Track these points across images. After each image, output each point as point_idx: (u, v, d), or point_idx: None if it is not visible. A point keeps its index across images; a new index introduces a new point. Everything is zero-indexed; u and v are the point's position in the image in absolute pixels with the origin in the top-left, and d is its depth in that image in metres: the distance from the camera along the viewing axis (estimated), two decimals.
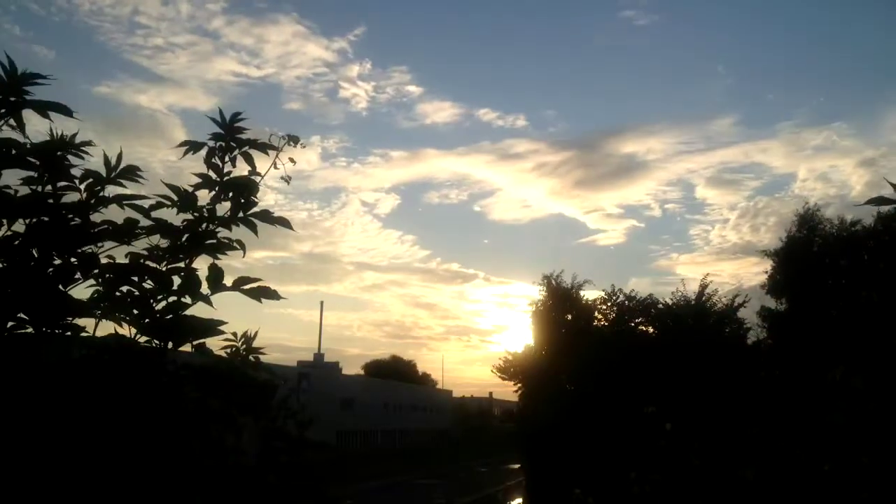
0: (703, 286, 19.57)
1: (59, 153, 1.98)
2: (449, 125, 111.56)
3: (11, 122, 1.92)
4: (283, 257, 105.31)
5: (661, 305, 19.87)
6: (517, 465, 24.08)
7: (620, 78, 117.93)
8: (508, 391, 22.36)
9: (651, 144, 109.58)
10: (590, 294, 20.74)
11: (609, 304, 20.16)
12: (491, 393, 72.15)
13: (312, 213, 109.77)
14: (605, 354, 17.28)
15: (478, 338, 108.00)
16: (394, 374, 64.78)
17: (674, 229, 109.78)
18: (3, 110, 1.91)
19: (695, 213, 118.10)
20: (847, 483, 3.69)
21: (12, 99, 1.91)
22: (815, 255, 23.16)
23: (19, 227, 1.94)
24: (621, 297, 20.07)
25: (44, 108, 1.94)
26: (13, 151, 1.92)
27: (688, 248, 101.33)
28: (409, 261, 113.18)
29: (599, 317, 20.29)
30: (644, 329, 20.00)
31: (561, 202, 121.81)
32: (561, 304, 20.34)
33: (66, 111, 1.95)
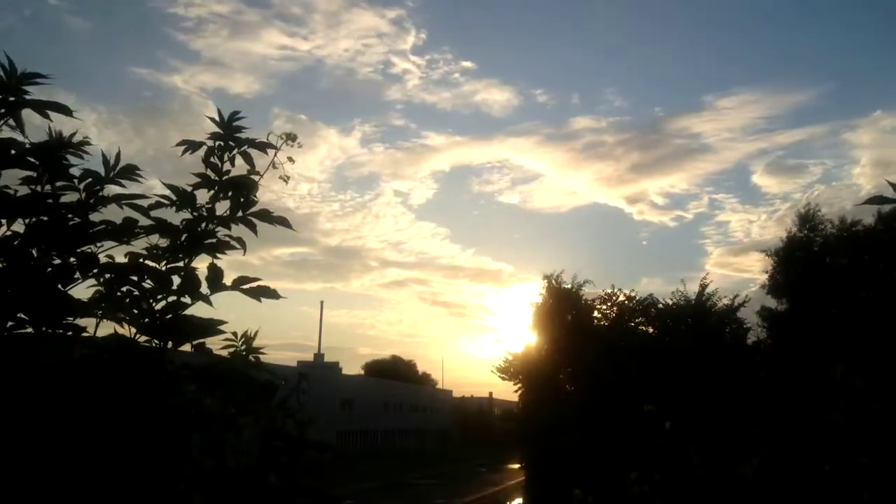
0: (703, 286, 19.61)
1: (58, 153, 1.98)
2: (498, 105, 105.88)
3: (11, 122, 1.92)
4: (303, 253, 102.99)
5: (660, 305, 19.90)
6: (517, 465, 24.10)
7: (696, 49, 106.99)
8: (508, 391, 22.38)
9: (723, 122, 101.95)
10: (590, 294, 20.80)
11: (609, 303, 20.19)
12: (491, 393, 72.18)
13: (345, 204, 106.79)
14: (605, 354, 17.29)
15: (495, 336, 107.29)
16: (394, 374, 64.80)
17: (720, 221, 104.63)
18: (2, 110, 1.91)
19: (746, 203, 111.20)
20: (847, 483, 3.69)
21: (11, 99, 1.91)
22: (815, 255, 23.16)
23: (18, 226, 1.94)
24: (621, 297, 20.11)
25: (43, 108, 1.94)
26: (12, 151, 1.92)
27: (727, 241, 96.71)
28: (437, 255, 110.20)
29: (599, 316, 20.32)
30: (644, 329, 20.02)
31: (607, 190, 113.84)
32: (561, 304, 20.35)
33: (66, 111, 1.95)
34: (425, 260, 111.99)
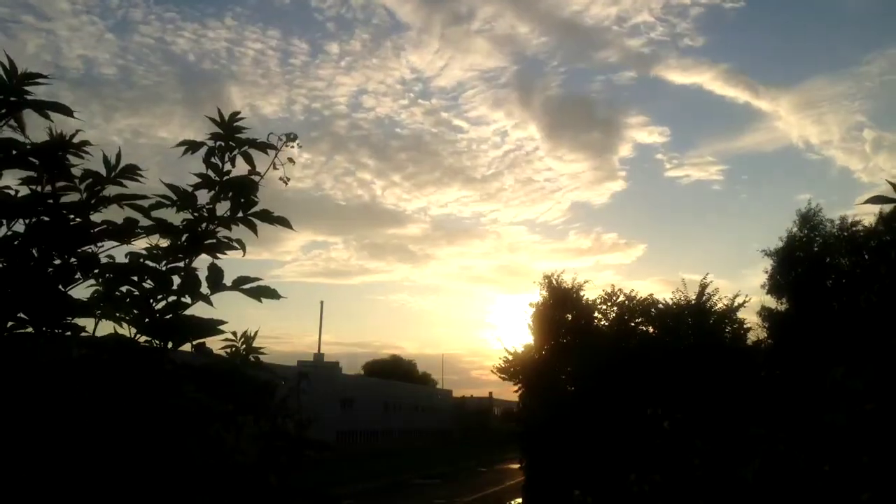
0: (703, 286, 19.60)
1: (59, 153, 1.98)
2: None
3: (12, 122, 1.92)
4: (391, 235, 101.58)
5: (661, 305, 19.88)
6: (517, 466, 24.08)
7: None
8: (508, 391, 22.38)
9: None
10: (590, 294, 20.78)
11: (609, 303, 20.17)
12: (491, 393, 72.19)
13: (492, 164, 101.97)
14: (605, 354, 17.28)
15: None
16: (394, 374, 64.80)
17: None
18: (3, 110, 1.90)
19: None
20: (847, 483, 3.69)
21: (12, 99, 1.91)
22: (815, 255, 23.15)
23: (19, 227, 1.94)
24: (621, 297, 20.09)
25: (44, 108, 1.93)
26: (13, 152, 1.92)
27: None
28: (562, 229, 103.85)
29: (599, 317, 20.30)
30: (644, 329, 20.00)
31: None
32: (561, 305, 20.34)
33: (67, 111, 1.95)
34: (543, 235, 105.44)
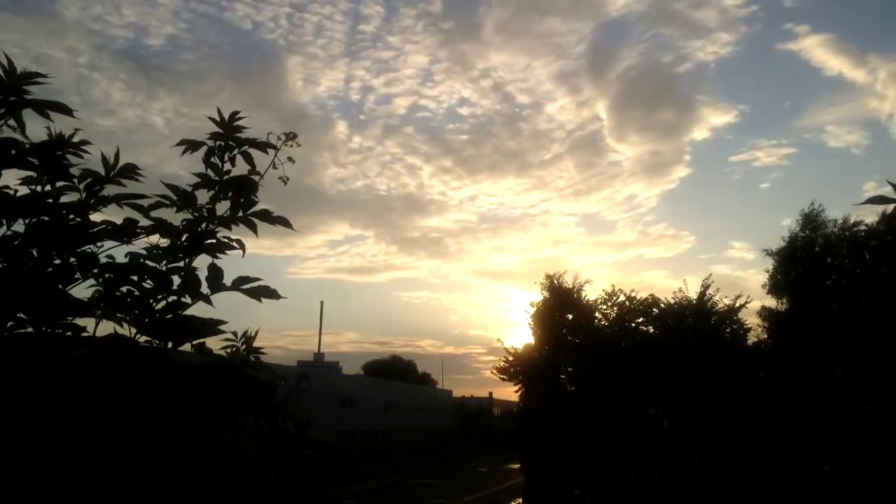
0: (705, 287, 19.60)
1: (58, 153, 1.98)
2: None
3: (11, 122, 1.92)
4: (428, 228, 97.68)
5: (662, 305, 19.89)
6: (517, 465, 24.10)
7: None
8: (509, 390, 22.40)
9: None
10: (591, 294, 20.81)
11: (609, 303, 20.18)
12: (491, 393, 72.15)
13: (550, 147, 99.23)
14: (606, 354, 17.28)
15: None
16: (394, 374, 64.80)
17: None
18: (2, 110, 1.91)
19: None
20: (847, 483, 3.69)
21: (12, 99, 1.91)
22: (816, 255, 23.14)
23: (18, 227, 1.94)
24: (622, 297, 20.10)
25: (43, 108, 1.93)
26: (13, 151, 1.92)
27: None
28: (611, 220, 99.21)
29: (600, 317, 20.31)
30: (645, 329, 20.00)
31: None
32: (561, 305, 20.36)
33: (66, 110, 1.95)
34: (593, 238, 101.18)
